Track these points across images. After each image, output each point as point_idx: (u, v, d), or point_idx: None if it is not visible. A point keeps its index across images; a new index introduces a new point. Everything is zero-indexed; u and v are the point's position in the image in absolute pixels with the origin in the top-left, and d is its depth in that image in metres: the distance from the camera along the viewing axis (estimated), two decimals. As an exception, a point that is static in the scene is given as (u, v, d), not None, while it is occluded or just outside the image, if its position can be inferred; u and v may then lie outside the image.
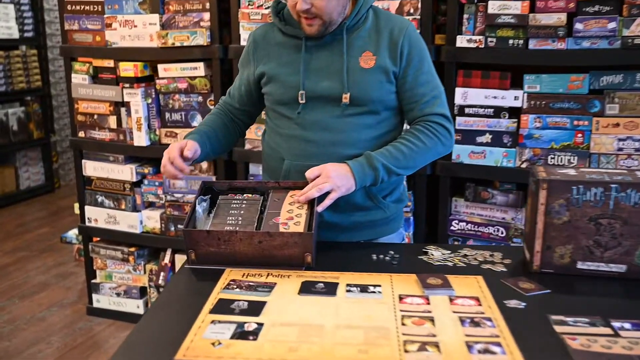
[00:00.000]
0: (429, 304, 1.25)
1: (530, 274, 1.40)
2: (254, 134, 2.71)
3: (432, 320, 1.17)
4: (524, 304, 1.26)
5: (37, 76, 5.39)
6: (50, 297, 3.47)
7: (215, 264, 1.43)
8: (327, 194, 1.51)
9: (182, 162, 1.54)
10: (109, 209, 3.06)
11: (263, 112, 2.59)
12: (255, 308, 1.21)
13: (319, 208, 1.50)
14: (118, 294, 3.16)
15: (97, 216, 3.09)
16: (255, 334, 1.11)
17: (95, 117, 2.96)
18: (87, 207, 3.11)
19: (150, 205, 3.06)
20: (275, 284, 1.33)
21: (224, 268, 1.42)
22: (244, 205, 1.53)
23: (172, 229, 2.97)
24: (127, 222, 3.03)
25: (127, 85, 2.85)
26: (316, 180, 1.51)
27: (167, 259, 3.05)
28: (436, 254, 1.53)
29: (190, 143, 1.57)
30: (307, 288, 1.31)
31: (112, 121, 2.93)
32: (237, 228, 1.44)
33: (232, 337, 1.10)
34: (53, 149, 5.72)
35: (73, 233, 3.94)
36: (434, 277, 1.36)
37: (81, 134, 3.02)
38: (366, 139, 1.60)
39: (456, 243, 2.60)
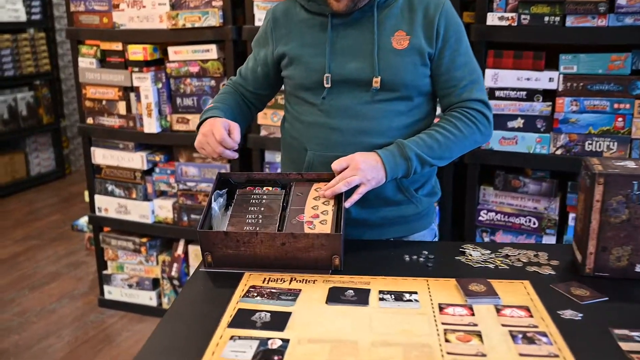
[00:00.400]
0: (473, 314, 1.11)
1: (583, 278, 1.26)
2: (270, 119, 2.57)
3: (479, 335, 1.04)
4: (580, 314, 1.12)
5: (45, 60, 5.26)
6: (61, 288, 3.38)
7: (233, 266, 1.31)
8: (355, 187, 1.37)
9: (231, 140, 1.39)
10: (120, 198, 2.94)
11: (280, 97, 2.45)
12: (279, 320, 1.09)
13: (347, 204, 1.37)
14: (130, 286, 3.06)
15: (108, 205, 2.98)
16: (280, 353, 0.99)
17: (104, 102, 2.83)
18: (97, 196, 2.99)
19: (162, 194, 2.94)
20: (300, 290, 1.20)
21: (243, 272, 1.29)
22: (264, 201, 1.39)
23: (185, 218, 2.85)
24: (139, 211, 2.91)
25: (136, 69, 2.71)
26: (343, 172, 1.37)
27: (180, 250, 2.94)
28: (475, 254, 1.40)
29: (233, 124, 1.41)
30: (335, 296, 1.18)
31: (122, 107, 2.80)
32: (258, 228, 1.31)
33: (254, 358, 0.97)
34: (63, 134, 5.61)
35: (84, 221, 3.85)
36: (476, 282, 1.22)
37: (89, 120, 2.90)
38: (397, 127, 1.45)
39: (484, 234, 2.46)
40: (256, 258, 1.29)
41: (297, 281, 1.25)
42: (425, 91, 1.47)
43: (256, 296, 1.18)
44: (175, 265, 2.93)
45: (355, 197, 1.38)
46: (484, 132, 1.48)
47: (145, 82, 2.69)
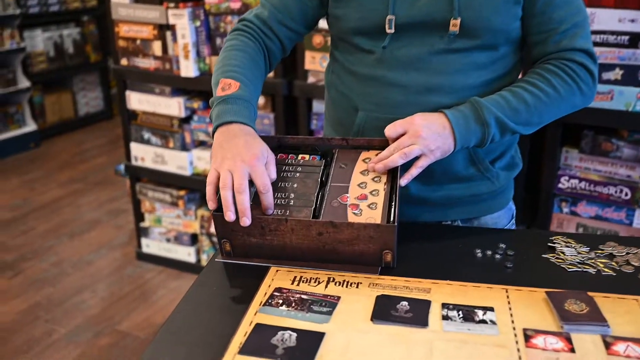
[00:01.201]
0: (572, 350, 0.81)
1: None
2: (319, 64, 2.25)
3: (584, 387, 0.74)
4: None
5: (92, -6, 5.05)
6: (100, 237, 3.25)
7: (256, 258, 1.04)
8: (414, 159, 1.07)
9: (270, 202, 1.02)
10: (156, 147, 2.72)
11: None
12: (307, 347, 0.82)
13: (403, 181, 1.07)
14: (168, 240, 2.88)
15: (144, 154, 2.77)
16: (304, 402, 0.72)
17: (138, 42, 2.57)
18: (132, 144, 2.78)
19: (201, 144, 2.70)
20: (339, 299, 0.93)
21: (269, 265, 1.03)
22: (298, 175, 1.11)
23: (225, 172, 2.60)
24: (176, 162, 2.69)
25: (171, 4, 2.42)
26: (401, 139, 1.07)
27: (219, 205, 2.71)
28: (568, 251, 1.08)
29: (270, 156, 1.04)
30: (384, 311, 0.89)
31: (157, 47, 2.53)
32: (288, 212, 1.03)
33: (268, 408, 0.71)
34: (111, 73, 5.44)
35: (125, 167, 3.68)
36: (573, 297, 0.91)
37: (124, 61, 2.65)
38: (474, 84, 1.13)
39: (564, 204, 2.11)
40: (285, 249, 1.02)
41: (335, 283, 0.97)
42: (514, 38, 1.13)
43: (281, 304, 0.91)
44: (214, 221, 2.72)
45: (414, 171, 1.08)
46: (585, 93, 1.13)
47: (181, 20, 2.41)
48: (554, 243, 1.11)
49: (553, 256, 1.07)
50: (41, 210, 3.59)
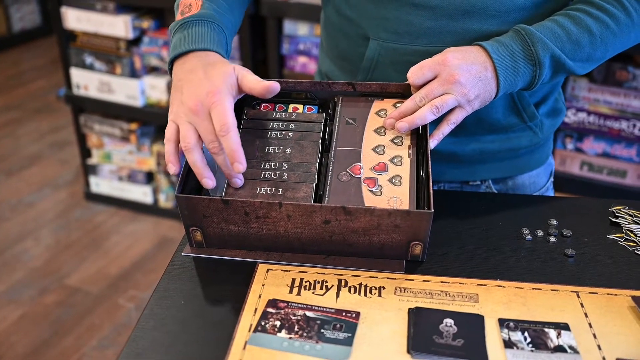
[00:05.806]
0: (690, 393, 0.59)
1: None
2: (292, -24, 1.90)
3: None
4: None
5: None
6: (42, 173, 2.90)
7: (237, 249, 0.77)
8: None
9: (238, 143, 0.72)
10: (101, 73, 2.35)
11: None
12: (325, 404, 0.57)
13: (433, 141, 0.80)
14: (120, 178, 2.56)
15: (87, 82, 2.39)
16: None
17: (71, -54, 2.14)
18: (73, 70, 2.40)
19: (154, 70, 2.34)
20: (358, 315, 0.67)
21: (255, 261, 0.76)
22: (291, 135, 0.82)
23: (183, 103, 2.27)
24: (125, 91, 2.34)
25: None
26: (430, 86, 0.79)
27: (177, 140, 2.39)
28: (637, 229, 0.85)
29: (246, 77, 0.76)
30: (424, 337, 0.64)
31: (95, -47, 2.12)
32: (281, 190, 0.75)
33: None
34: (47, -17, 4.85)
35: (68, 93, 3.27)
36: (669, 305, 0.68)
37: (55, -30, 2.23)
38: (524, 4, 0.84)
39: (568, 140, 1.90)
40: (278, 240, 0.75)
41: (349, 289, 0.71)
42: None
43: (279, 329, 0.65)
44: (172, 158, 2.41)
45: (446, 129, 0.81)
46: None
47: None
48: (617, 217, 0.87)
49: (621, 237, 0.83)
50: (-27, 143, 3.19)
